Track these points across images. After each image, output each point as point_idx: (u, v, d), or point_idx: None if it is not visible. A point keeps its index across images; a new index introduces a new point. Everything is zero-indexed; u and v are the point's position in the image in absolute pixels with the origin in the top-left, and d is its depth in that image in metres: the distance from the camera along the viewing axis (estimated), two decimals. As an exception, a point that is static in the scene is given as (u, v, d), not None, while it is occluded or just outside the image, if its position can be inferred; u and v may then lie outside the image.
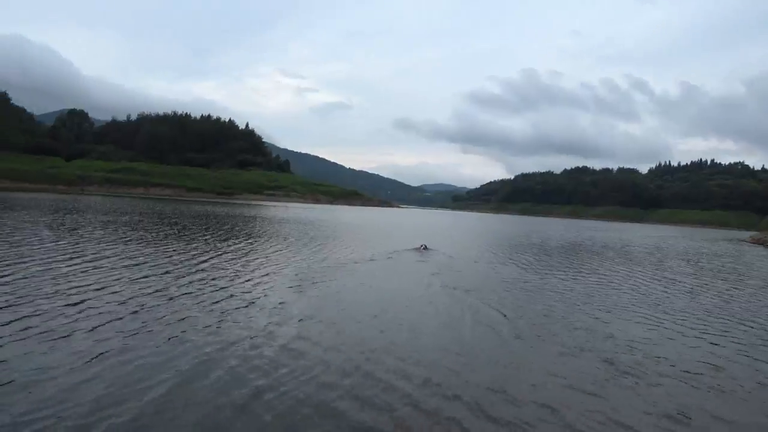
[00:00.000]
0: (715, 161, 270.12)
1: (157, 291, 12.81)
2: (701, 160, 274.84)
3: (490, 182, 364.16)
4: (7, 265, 14.31)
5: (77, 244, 19.99)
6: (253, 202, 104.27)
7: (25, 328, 9.05)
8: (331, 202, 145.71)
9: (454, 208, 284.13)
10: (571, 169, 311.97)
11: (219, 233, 30.61)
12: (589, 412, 6.95)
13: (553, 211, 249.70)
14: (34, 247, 18.17)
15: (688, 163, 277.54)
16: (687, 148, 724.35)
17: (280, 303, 12.26)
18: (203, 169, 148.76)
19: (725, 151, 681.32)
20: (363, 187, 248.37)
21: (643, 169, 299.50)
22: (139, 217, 38.50)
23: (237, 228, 35.91)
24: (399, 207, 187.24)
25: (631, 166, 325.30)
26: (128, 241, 23.41)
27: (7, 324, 9.17)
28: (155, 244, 23.02)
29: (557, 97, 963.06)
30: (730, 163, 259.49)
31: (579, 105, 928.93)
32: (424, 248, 27.02)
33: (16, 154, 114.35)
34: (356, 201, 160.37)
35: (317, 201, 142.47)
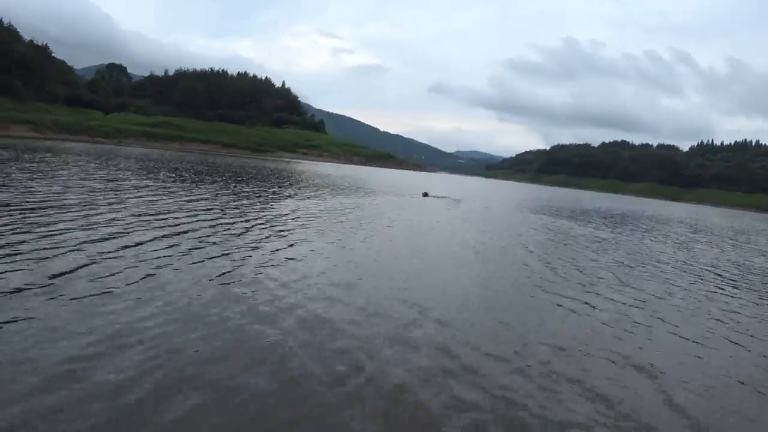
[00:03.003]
0: (760, 142, 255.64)
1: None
2: (745, 140, 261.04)
3: (525, 152, 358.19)
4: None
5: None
6: (289, 160, 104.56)
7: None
8: (364, 164, 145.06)
9: (486, 177, 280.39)
10: (610, 142, 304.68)
11: (278, 181, 34.85)
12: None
13: (589, 184, 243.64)
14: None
15: (732, 143, 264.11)
16: (731, 128, 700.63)
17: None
18: (239, 126, 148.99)
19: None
20: (396, 150, 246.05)
21: (684, 146, 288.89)
22: (204, 167, 39.14)
23: (293, 178, 40.02)
24: (431, 172, 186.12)
25: (672, 143, 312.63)
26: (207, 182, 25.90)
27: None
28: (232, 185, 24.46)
29: (598, 68, 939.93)
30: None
31: (620, 76, 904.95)
32: (425, 195, 33.21)
33: (57, 106, 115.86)
34: (389, 163, 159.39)
35: (351, 162, 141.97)
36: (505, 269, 11.95)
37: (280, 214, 16.38)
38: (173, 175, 26.15)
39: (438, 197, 33.60)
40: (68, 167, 24.18)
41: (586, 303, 9.50)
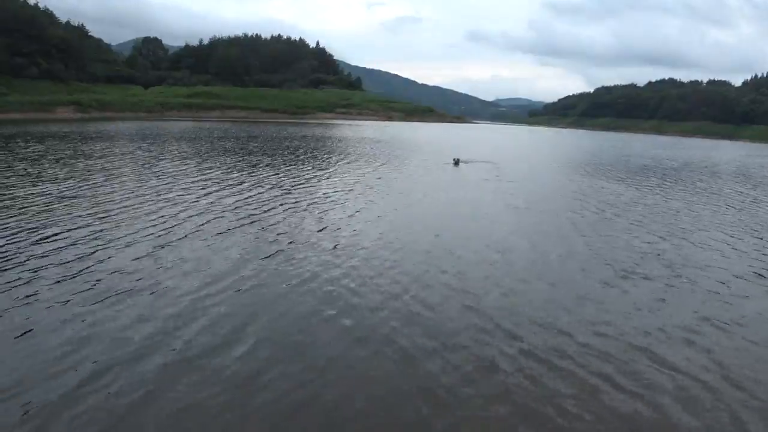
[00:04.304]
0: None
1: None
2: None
3: (568, 96, 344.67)
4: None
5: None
6: (329, 121, 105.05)
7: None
8: (404, 119, 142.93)
9: (529, 124, 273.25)
10: (656, 81, 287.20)
11: (323, 155, 35.55)
12: None
13: (636, 126, 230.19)
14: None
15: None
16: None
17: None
18: (276, 90, 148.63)
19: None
20: (436, 102, 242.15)
21: (737, 81, 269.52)
22: (254, 146, 39.00)
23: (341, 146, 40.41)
24: (472, 123, 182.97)
25: (723, 78, 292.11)
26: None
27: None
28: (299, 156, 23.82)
29: (642, 3, 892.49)
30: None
31: (666, 10, 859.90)
32: (456, 163, 27.78)
33: (98, 85, 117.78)
34: (429, 117, 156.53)
35: (390, 118, 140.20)
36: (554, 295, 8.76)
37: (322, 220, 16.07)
38: (228, 161, 25.80)
39: (471, 162, 29.80)
40: (127, 161, 24.22)
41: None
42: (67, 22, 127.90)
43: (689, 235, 13.47)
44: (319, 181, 19.30)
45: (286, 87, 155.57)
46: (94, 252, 9.47)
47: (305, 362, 5.82)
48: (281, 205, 14.60)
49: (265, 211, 13.62)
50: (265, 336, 6.44)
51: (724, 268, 10.52)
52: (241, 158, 26.71)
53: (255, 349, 6.11)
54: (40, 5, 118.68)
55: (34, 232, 10.72)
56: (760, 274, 10.31)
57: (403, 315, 7.21)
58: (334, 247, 10.44)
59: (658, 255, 11.21)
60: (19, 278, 7.96)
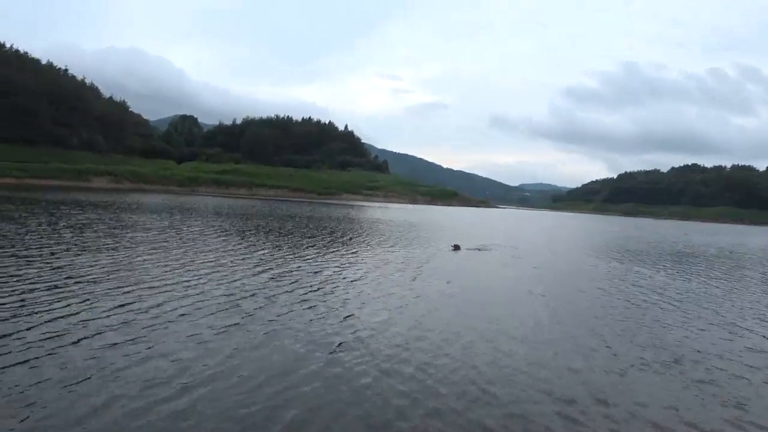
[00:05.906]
0: None
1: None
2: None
3: (592, 182, 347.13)
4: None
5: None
6: (356, 203, 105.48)
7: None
8: (429, 202, 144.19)
9: (553, 209, 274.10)
10: (680, 167, 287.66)
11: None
12: None
13: (660, 212, 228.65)
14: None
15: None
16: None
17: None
18: (305, 170, 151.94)
19: None
20: (461, 186, 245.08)
21: (761, 165, 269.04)
22: (291, 225, 39.11)
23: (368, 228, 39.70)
24: (497, 207, 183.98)
25: (747, 163, 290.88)
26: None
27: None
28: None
29: (661, 91, 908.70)
30: None
31: (685, 98, 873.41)
32: (456, 248, 26.10)
33: (134, 157, 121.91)
34: (454, 201, 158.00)
35: (415, 201, 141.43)
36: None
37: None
38: (268, 240, 25.57)
39: (479, 250, 26.69)
40: (171, 234, 24.31)
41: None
42: (110, 98, 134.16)
43: (741, 325, 12.78)
44: (358, 265, 18.77)
45: (314, 168, 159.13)
46: (139, 336, 8.30)
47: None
48: (323, 288, 14.03)
49: (310, 292, 13.12)
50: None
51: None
52: (279, 237, 26.59)
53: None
54: (87, 81, 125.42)
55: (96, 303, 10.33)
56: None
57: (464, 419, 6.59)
58: (388, 341, 9.61)
59: (699, 345, 10.65)
60: (64, 359, 7.05)
